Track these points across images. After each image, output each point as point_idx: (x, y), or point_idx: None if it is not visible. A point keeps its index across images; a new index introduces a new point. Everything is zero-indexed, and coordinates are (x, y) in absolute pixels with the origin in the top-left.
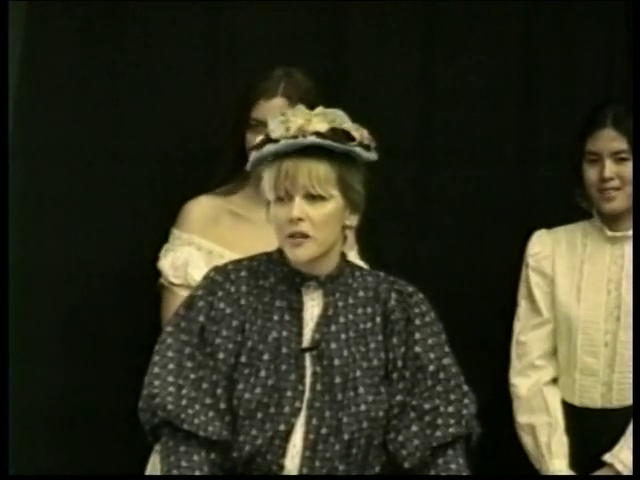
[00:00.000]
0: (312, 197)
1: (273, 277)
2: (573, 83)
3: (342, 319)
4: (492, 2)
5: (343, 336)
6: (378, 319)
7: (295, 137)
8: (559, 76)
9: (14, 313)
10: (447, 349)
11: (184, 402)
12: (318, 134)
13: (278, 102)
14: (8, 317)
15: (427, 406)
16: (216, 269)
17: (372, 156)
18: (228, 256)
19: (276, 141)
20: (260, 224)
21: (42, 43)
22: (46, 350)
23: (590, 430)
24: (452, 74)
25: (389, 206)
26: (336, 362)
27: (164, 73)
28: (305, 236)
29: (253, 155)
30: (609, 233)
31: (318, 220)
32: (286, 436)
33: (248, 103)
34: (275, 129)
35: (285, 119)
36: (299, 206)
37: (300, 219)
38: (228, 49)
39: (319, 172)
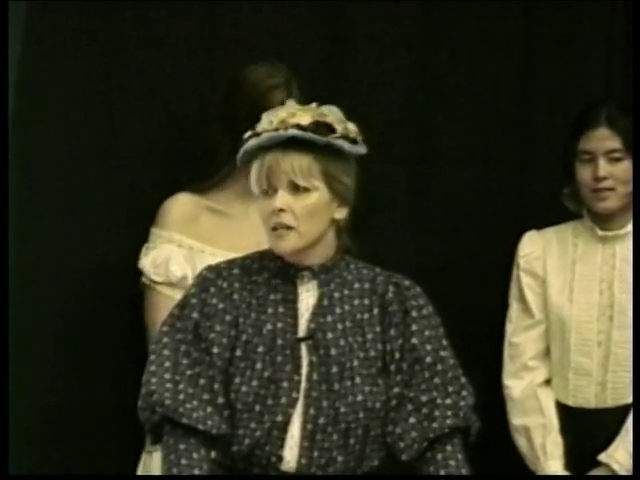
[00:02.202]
0: (296, 189)
1: (266, 272)
2: (573, 82)
3: (338, 309)
4: (492, 2)
5: (339, 326)
6: (375, 311)
7: (276, 130)
8: (559, 75)
9: (13, 313)
10: (445, 342)
11: (182, 397)
12: (299, 127)
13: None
14: (8, 317)
15: (424, 398)
16: (209, 268)
17: (360, 149)
18: (209, 251)
19: (259, 135)
20: (241, 218)
21: (42, 43)
22: (46, 350)
23: (585, 430)
24: (451, 74)
25: (386, 205)
26: (333, 351)
27: (163, 73)
28: (287, 227)
29: (241, 150)
30: (600, 233)
31: (300, 211)
32: (284, 427)
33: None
34: (260, 123)
35: (273, 113)
36: (281, 197)
37: (282, 210)
38: (226, 49)
39: (302, 163)
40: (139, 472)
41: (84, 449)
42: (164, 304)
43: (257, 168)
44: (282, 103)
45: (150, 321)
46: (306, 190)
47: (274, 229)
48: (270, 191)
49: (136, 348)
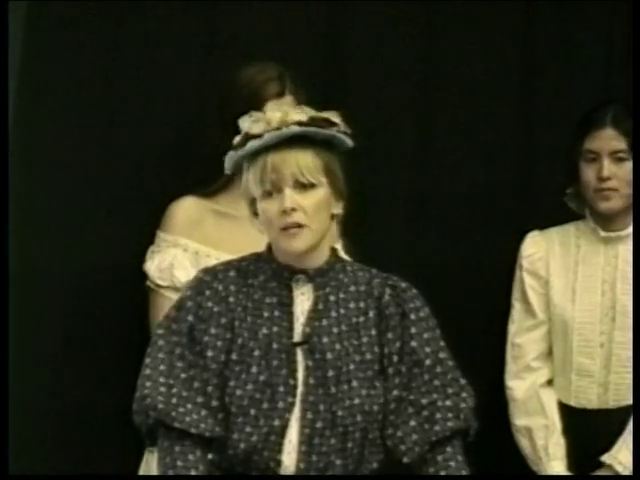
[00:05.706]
0: (302, 186)
1: (262, 275)
2: (573, 83)
3: (333, 313)
4: (492, 2)
5: (335, 330)
6: (371, 313)
7: (278, 129)
8: (559, 76)
9: (13, 313)
10: (442, 343)
11: (174, 401)
12: (300, 123)
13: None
14: (8, 317)
15: (425, 401)
16: (205, 270)
17: (350, 143)
18: (214, 255)
19: (258, 136)
20: (247, 220)
21: (42, 43)
22: (46, 350)
23: (587, 431)
24: (452, 74)
25: (386, 206)
26: (328, 356)
27: (162, 74)
28: (299, 226)
29: (233, 155)
30: (603, 233)
31: (310, 209)
32: (281, 431)
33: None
34: (253, 126)
35: (262, 116)
36: (290, 196)
37: (293, 209)
38: (226, 50)
39: (307, 160)
40: (141, 470)
41: (84, 449)
42: (168, 307)
43: (259, 169)
44: (278, 96)
45: (154, 324)
46: (312, 186)
47: (284, 229)
48: (274, 192)
49: (138, 349)
